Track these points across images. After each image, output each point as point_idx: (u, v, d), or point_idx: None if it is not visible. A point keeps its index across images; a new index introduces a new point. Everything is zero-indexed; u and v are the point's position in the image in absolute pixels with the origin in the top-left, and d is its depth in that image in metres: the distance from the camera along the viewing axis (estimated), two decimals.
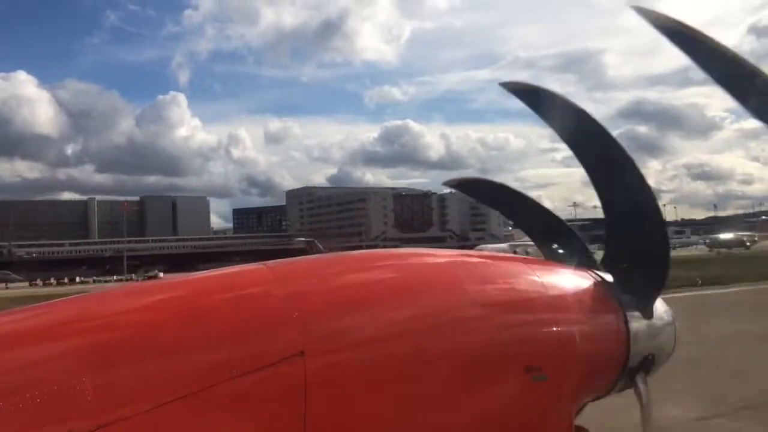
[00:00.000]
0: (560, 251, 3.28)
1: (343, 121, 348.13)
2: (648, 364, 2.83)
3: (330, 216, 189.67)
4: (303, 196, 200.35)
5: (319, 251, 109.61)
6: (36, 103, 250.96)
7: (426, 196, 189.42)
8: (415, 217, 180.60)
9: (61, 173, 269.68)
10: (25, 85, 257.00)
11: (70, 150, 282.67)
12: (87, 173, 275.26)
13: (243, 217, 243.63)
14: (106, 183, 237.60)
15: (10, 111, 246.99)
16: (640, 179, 2.71)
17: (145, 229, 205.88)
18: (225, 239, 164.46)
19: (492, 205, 3.97)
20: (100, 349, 1.74)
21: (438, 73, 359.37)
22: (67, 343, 1.77)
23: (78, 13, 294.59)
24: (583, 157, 2.91)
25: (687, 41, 2.26)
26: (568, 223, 3.56)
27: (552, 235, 3.44)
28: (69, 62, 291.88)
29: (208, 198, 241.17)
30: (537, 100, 2.91)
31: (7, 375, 1.61)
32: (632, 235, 2.88)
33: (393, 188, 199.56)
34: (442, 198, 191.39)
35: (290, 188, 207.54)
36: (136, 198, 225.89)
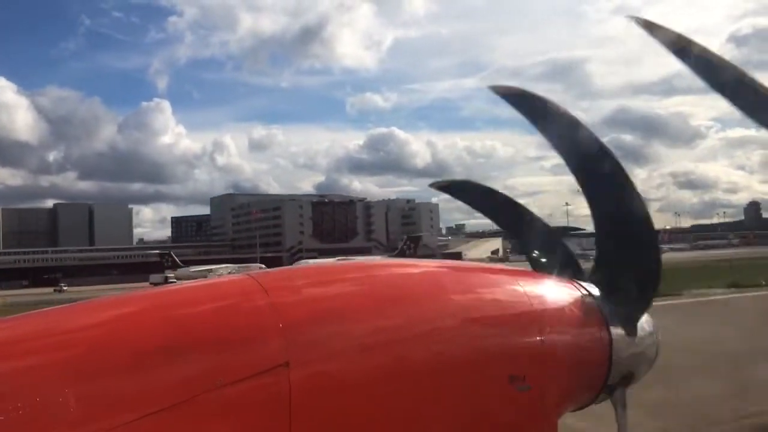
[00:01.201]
0: (547, 260, 3.23)
1: (328, 129, 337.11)
2: (628, 377, 2.86)
3: (249, 225, 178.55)
4: (227, 204, 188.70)
5: (176, 265, 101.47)
6: (16, 110, 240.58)
7: (350, 203, 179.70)
8: (336, 226, 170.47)
9: (44, 180, 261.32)
10: (4, 91, 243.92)
11: (51, 157, 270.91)
12: (69, 180, 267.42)
13: (182, 225, 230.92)
14: (89, 190, 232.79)
15: None
16: (633, 190, 2.67)
17: (57, 239, 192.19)
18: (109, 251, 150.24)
19: (479, 209, 3.82)
20: (84, 359, 1.72)
21: (423, 81, 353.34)
22: (51, 354, 1.75)
23: (60, 19, 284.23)
24: (572, 164, 2.88)
25: (687, 53, 2.35)
26: (558, 230, 3.62)
27: (539, 243, 3.38)
28: (50, 69, 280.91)
29: (131, 206, 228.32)
30: (526, 104, 2.91)
31: None
32: (623, 249, 2.85)
33: (322, 195, 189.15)
34: (368, 206, 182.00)
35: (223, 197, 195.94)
36: (49, 206, 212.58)
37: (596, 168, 2.75)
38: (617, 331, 2.77)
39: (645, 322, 2.92)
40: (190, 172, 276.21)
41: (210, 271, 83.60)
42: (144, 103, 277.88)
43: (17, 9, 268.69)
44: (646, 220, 2.72)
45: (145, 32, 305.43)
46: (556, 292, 2.77)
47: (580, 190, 2.88)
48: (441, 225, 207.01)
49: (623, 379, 2.84)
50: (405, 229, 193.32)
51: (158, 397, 1.68)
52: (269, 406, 1.83)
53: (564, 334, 2.66)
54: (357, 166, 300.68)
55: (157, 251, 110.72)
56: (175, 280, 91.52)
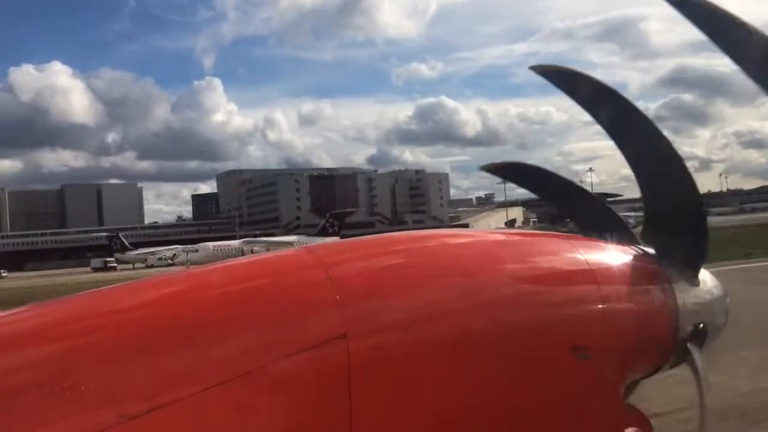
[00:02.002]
0: (600, 228, 3.19)
1: (376, 101, 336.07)
2: (700, 335, 2.78)
3: (251, 201, 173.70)
4: (232, 180, 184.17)
5: (125, 248, 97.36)
6: (73, 93, 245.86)
7: (350, 176, 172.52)
8: (336, 200, 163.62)
9: (105, 161, 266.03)
10: (60, 75, 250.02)
11: (110, 138, 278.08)
12: (129, 161, 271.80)
13: (202, 202, 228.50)
14: (149, 169, 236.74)
15: (48, 101, 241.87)
16: (675, 156, 2.74)
17: (66, 220, 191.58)
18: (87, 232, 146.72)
19: (531, 189, 3.87)
20: (149, 334, 1.79)
21: (473, 48, 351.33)
22: (118, 328, 1.83)
23: (109, 1, 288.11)
24: (616, 136, 2.95)
25: (705, 17, 2.36)
26: (609, 201, 3.49)
27: (594, 217, 3.39)
28: (104, 51, 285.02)
29: (140, 185, 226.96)
30: (566, 81, 2.99)
31: (64, 357, 1.68)
32: (668, 207, 2.91)
33: (330, 169, 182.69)
34: (370, 179, 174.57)
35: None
36: (56, 187, 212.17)
37: (639, 138, 2.85)
38: (680, 286, 2.74)
39: (713, 284, 2.90)
40: (243, 149, 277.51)
41: (152, 253, 79.70)
42: (196, 82, 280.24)
43: None
44: (690, 181, 2.77)
45: (194, 11, 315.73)
46: (614, 256, 2.74)
47: (626, 161, 2.96)
48: (471, 195, 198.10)
49: (695, 335, 2.74)
50: (412, 201, 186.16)
51: (218, 371, 1.73)
52: (328, 378, 1.84)
53: (626, 297, 2.63)
54: (407, 137, 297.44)
55: (105, 234, 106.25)
56: (114, 264, 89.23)
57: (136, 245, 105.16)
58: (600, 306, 2.43)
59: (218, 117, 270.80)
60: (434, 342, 2.05)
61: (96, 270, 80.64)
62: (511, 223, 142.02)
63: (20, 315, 2.03)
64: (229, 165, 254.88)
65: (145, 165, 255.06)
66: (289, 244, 79.89)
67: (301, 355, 1.81)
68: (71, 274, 72.74)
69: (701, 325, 2.74)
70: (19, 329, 1.86)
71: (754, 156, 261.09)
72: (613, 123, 2.93)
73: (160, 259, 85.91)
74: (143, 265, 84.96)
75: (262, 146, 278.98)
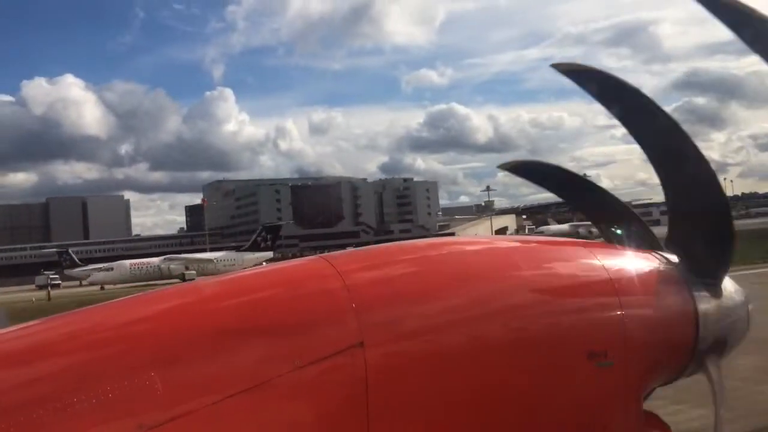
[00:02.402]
0: (620, 233, 3.22)
1: (388, 108, 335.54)
2: (719, 347, 2.76)
3: (234, 212, 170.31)
4: (216, 190, 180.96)
5: (74, 264, 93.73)
6: (85, 105, 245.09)
7: (333, 185, 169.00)
8: (320, 210, 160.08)
9: (119, 173, 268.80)
10: (72, 88, 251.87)
11: (123, 150, 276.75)
12: (142, 172, 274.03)
13: (195, 214, 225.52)
14: (163, 180, 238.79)
15: (61, 114, 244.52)
16: (699, 156, 2.67)
17: (50, 234, 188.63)
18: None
19: (547, 188, 3.79)
20: (167, 345, 1.80)
21: (484, 54, 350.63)
22: (136, 340, 1.84)
23: (123, 13, 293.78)
24: (640, 137, 2.89)
25: (734, 15, 2.33)
26: (630, 204, 3.73)
27: (612, 217, 3.37)
28: (116, 64, 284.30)
29: (125, 196, 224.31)
30: (590, 80, 2.89)
31: (83, 369, 1.70)
32: (695, 214, 2.84)
33: (316, 178, 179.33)
34: (354, 187, 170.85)
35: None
36: (42, 200, 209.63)
37: (663, 139, 2.76)
38: (701, 295, 2.68)
39: (734, 291, 2.84)
40: (255, 159, 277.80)
41: (100, 269, 76.44)
42: (208, 93, 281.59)
43: (81, 7, 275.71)
44: (715, 184, 2.70)
45: (205, 23, 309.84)
46: (633, 263, 2.70)
47: (650, 162, 2.89)
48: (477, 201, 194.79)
49: (714, 346, 2.71)
50: (400, 210, 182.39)
51: (238, 380, 1.74)
52: (346, 386, 1.85)
53: (645, 305, 2.59)
54: (419, 145, 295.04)
55: (55, 250, 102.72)
56: (59, 282, 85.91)
57: (115, 259, 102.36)
58: (618, 314, 2.40)
59: (230, 127, 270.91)
60: (451, 349, 2.04)
61: (40, 287, 77.44)
62: (501, 232, 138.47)
63: (40, 327, 2.02)
64: (242, 175, 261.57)
65: (158, 176, 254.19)
66: (210, 261, 78.02)
67: (319, 363, 1.82)
68: (11, 292, 69.63)
69: (722, 337, 2.70)
70: (38, 342, 1.87)
71: None
72: (636, 122, 2.83)
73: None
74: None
75: (273, 156, 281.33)
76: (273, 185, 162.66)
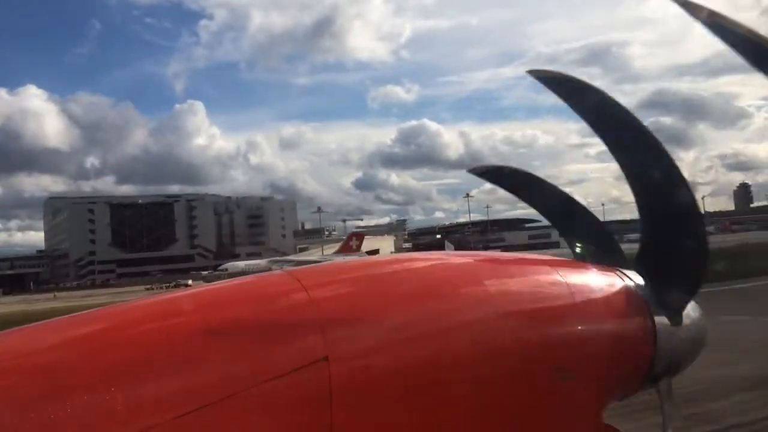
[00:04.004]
0: (588, 248, 3.22)
1: (364, 124, 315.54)
2: (674, 367, 2.86)
3: (53, 231, 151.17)
4: (48, 209, 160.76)
5: None
6: (49, 117, 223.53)
7: (165, 204, 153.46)
8: (146, 231, 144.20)
9: (86, 186, 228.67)
10: (34, 99, 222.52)
11: (89, 163, 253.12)
12: (109, 185, 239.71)
13: None
14: (132, 194, 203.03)
15: (22, 125, 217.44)
16: (677, 174, 2.63)
17: None
18: None
19: (517, 194, 3.71)
20: (125, 360, 1.77)
21: (460, 72, 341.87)
22: (92, 356, 1.79)
23: (89, 26, 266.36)
24: (613, 148, 2.85)
25: (728, 33, 2.29)
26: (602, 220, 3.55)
27: (581, 230, 3.36)
28: (81, 76, 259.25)
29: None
30: (564, 87, 2.86)
31: (33, 388, 1.65)
32: (667, 236, 2.80)
33: (137, 197, 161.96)
34: (191, 206, 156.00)
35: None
36: None
37: (639, 152, 2.73)
38: (662, 320, 2.71)
39: (692, 309, 2.85)
40: (225, 173, 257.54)
41: None
42: (177, 106, 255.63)
43: (50, 18, 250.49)
44: (692, 203, 2.66)
45: (177, 36, 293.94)
46: (597, 281, 2.74)
47: (623, 175, 2.84)
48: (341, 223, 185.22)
49: (668, 369, 2.79)
50: (252, 232, 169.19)
51: (200, 394, 1.72)
52: (310, 401, 1.85)
53: (606, 324, 2.64)
54: (391, 161, 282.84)
55: None
56: None
57: None
58: (579, 329, 2.48)
59: (199, 141, 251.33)
60: (415, 364, 2.06)
61: None
62: (371, 254, 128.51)
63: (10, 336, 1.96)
64: (213, 189, 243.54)
65: (126, 189, 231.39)
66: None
67: (283, 378, 1.80)
68: None
69: (677, 358, 2.79)
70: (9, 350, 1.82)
71: (739, 178, 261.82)
72: (611, 133, 2.82)
73: None
74: None
75: (245, 170, 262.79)
76: (92, 203, 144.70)
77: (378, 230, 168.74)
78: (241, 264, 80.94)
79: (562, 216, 3.46)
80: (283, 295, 2.09)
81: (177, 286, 74.70)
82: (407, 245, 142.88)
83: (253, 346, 1.88)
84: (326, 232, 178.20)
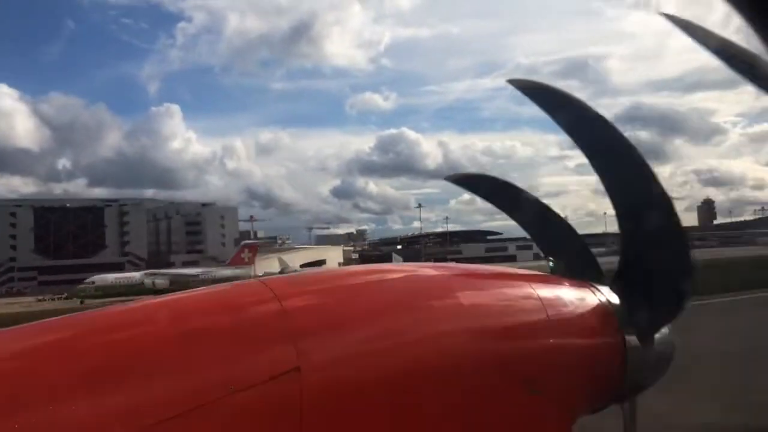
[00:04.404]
0: (564, 262, 3.23)
1: (343, 132, 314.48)
2: (642, 386, 2.91)
3: None
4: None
5: None
6: (21, 117, 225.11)
7: (95, 209, 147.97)
8: (73, 237, 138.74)
9: (56, 188, 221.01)
10: (5, 98, 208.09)
11: (61, 164, 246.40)
12: (80, 187, 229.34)
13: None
14: (104, 197, 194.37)
15: None
16: (660, 191, 2.60)
17: None
18: None
19: (494, 203, 3.66)
20: (91, 369, 1.72)
21: (441, 82, 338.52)
22: (58, 364, 1.74)
23: (64, 25, 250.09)
24: (594, 160, 2.84)
25: (721, 50, 2.34)
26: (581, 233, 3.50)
27: (559, 243, 3.35)
28: (56, 76, 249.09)
29: None
30: (545, 98, 2.86)
31: None
32: (648, 255, 2.79)
33: (66, 200, 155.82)
34: (122, 212, 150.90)
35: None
36: None
37: (619, 164, 2.71)
38: (632, 340, 2.72)
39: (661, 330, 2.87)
40: (200, 178, 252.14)
41: None
42: (153, 108, 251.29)
43: (23, 19, 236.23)
44: (674, 221, 2.61)
45: (155, 39, 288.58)
46: (569, 296, 2.74)
47: (604, 188, 2.81)
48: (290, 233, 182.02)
49: (636, 387, 2.84)
50: (189, 239, 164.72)
51: (170, 405, 1.69)
52: (281, 412, 1.83)
53: (576, 340, 2.65)
54: (369, 169, 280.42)
55: None
56: None
57: None
58: (550, 343, 2.48)
59: (175, 145, 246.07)
60: (387, 376, 2.06)
61: None
62: (310, 266, 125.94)
63: None
64: (189, 195, 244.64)
65: (98, 192, 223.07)
66: None
67: (254, 388, 1.78)
68: None
69: (645, 377, 2.83)
70: None
71: (714, 194, 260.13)
72: (591, 144, 2.80)
73: None
74: None
75: (221, 175, 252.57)
76: (17, 206, 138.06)
77: (337, 240, 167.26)
78: (110, 277, 76.32)
79: (539, 227, 3.41)
80: (255, 305, 2.06)
81: (69, 297, 71.08)
82: (356, 256, 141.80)
83: (223, 355, 1.84)
84: (279, 241, 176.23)
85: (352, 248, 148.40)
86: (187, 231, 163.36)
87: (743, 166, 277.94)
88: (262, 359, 1.87)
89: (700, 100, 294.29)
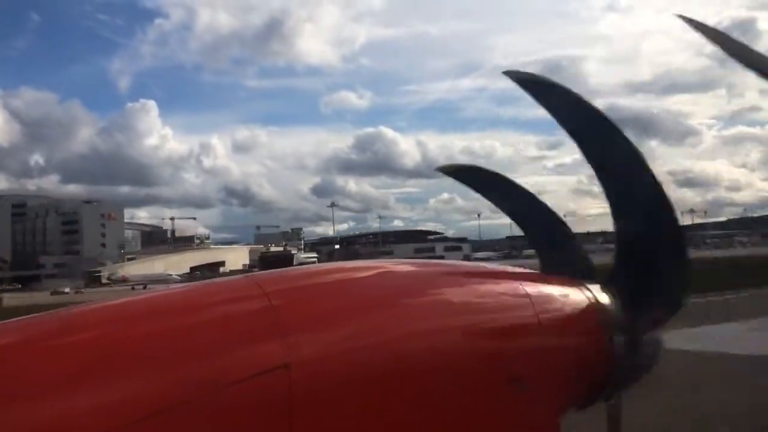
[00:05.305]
0: (557, 259, 3.19)
1: (326, 131, 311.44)
2: (628, 384, 2.92)
3: None
4: None
5: None
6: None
7: None
8: None
9: (29, 184, 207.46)
10: None
11: (33, 160, 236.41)
12: (53, 184, 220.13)
13: None
14: (79, 193, 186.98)
15: None
16: (659, 191, 2.59)
17: None
18: None
19: (487, 197, 3.65)
20: (80, 364, 1.72)
21: (421, 81, 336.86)
22: (48, 357, 1.74)
23: (40, 19, 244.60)
24: (589, 154, 2.81)
25: (730, 50, 2.40)
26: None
27: (551, 238, 3.33)
28: (28, 72, 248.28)
29: None
30: (541, 90, 2.84)
31: None
32: (644, 257, 2.76)
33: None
34: None
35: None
36: None
37: (616, 159, 2.68)
38: (620, 340, 2.73)
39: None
40: (177, 175, 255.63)
41: None
42: (129, 104, 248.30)
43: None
44: (673, 224, 2.63)
45: (131, 35, 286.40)
46: (560, 294, 2.74)
47: (599, 185, 2.78)
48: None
49: (622, 385, 2.86)
50: (66, 239, 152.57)
51: (157, 400, 1.69)
52: (269, 408, 1.84)
53: (564, 338, 2.66)
54: (348, 167, 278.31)
55: None
56: None
57: None
58: (537, 341, 2.50)
59: (151, 141, 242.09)
60: (375, 373, 2.07)
61: None
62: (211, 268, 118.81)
63: None
64: (167, 191, 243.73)
65: (72, 189, 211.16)
66: None
67: (242, 384, 1.78)
68: None
69: (632, 376, 2.85)
70: None
71: (689, 195, 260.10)
72: (586, 137, 2.77)
73: None
74: None
75: (197, 173, 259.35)
76: None
77: (274, 239, 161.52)
78: None
79: (532, 223, 3.36)
80: (243, 300, 2.06)
81: None
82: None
83: (213, 351, 1.84)
84: (197, 240, 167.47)
85: (283, 248, 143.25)
86: (64, 230, 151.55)
87: (718, 168, 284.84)
88: (250, 355, 1.86)
89: (675, 102, 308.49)
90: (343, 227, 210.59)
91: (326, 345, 2.01)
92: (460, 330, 2.32)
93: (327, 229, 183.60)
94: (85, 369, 1.69)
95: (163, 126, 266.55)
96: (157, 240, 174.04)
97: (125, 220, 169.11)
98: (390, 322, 2.21)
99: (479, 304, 2.47)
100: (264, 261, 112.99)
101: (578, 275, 2.87)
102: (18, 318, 1.98)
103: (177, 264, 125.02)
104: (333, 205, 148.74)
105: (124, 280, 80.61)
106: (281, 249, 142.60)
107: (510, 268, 2.93)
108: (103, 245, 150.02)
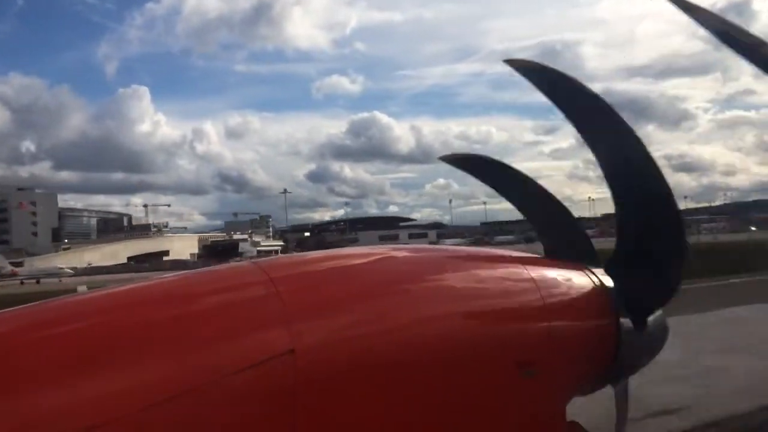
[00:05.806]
0: (560, 245, 3.22)
1: (317, 116, 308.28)
2: (634, 367, 2.95)
3: None
4: None
5: None
6: None
7: None
8: None
9: (22, 171, 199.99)
10: None
11: (24, 147, 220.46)
12: (45, 170, 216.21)
13: None
14: (72, 180, 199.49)
15: None
16: (660, 179, 2.60)
17: None
18: None
19: (490, 184, 3.62)
20: (86, 351, 1.72)
21: (417, 66, 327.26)
22: (54, 345, 1.75)
23: (27, 5, 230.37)
24: (591, 141, 2.82)
25: (727, 35, 2.41)
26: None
27: (553, 224, 3.35)
28: (19, 57, 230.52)
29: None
30: (544, 78, 2.84)
31: None
32: (643, 241, 2.78)
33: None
34: None
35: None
36: None
37: (619, 148, 2.68)
38: (626, 323, 2.74)
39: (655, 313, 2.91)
40: (171, 161, 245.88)
41: None
42: (121, 90, 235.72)
43: None
44: (672, 210, 2.64)
45: (121, 19, 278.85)
46: (565, 278, 2.75)
47: (603, 175, 2.79)
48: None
49: (628, 369, 2.87)
50: None
51: (164, 387, 1.69)
52: (275, 394, 1.84)
53: (570, 322, 2.67)
54: (343, 153, 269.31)
55: None
56: None
57: None
58: (544, 326, 2.49)
59: (144, 127, 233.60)
60: (381, 358, 2.06)
61: None
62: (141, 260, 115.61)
63: None
64: (161, 178, 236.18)
65: (65, 176, 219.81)
66: None
67: (248, 370, 1.78)
68: None
69: (638, 359, 2.88)
70: None
71: (685, 179, 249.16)
72: (589, 126, 2.78)
73: None
74: None
75: (191, 159, 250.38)
76: None
77: (242, 226, 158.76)
78: None
79: (535, 209, 3.39)
80: (249, 286, 2.05)
81: None
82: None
83: (218, 337, 1.83)
84: (154, 228, 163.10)
85: (247, 236, 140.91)
86: None
87: (714, 152, 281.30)
88: (256, 341, 1.86)
89: (671, 86, 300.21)
90: (339, 213, 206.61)
91: (331, 331, 2.01)
92: (466, 315, 2.33)
93: (324, 215, 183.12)
94: (91, 356, 1.69)
95: (155, 112, 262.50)
96: (113, 228, 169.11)
97: (83, 207, 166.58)
98: (395, 308, 2.21)
99: (484, 290, 2.49)
100: (209, 250, 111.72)
101: (581, 259, 2.94)
102: (25, 305, 1.98)
103: (114, 253, 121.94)
104: (285, 191, 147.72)
105: (14, 275, 77.25)
106: (226, 238, 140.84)
107: (514, 253, 2.98)
108: (35, 234, 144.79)
